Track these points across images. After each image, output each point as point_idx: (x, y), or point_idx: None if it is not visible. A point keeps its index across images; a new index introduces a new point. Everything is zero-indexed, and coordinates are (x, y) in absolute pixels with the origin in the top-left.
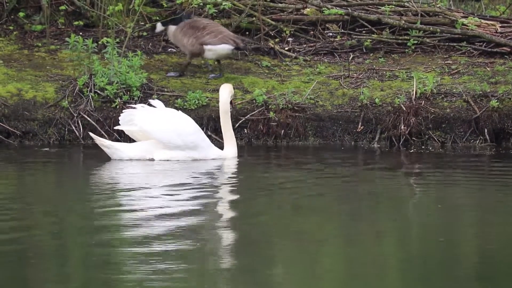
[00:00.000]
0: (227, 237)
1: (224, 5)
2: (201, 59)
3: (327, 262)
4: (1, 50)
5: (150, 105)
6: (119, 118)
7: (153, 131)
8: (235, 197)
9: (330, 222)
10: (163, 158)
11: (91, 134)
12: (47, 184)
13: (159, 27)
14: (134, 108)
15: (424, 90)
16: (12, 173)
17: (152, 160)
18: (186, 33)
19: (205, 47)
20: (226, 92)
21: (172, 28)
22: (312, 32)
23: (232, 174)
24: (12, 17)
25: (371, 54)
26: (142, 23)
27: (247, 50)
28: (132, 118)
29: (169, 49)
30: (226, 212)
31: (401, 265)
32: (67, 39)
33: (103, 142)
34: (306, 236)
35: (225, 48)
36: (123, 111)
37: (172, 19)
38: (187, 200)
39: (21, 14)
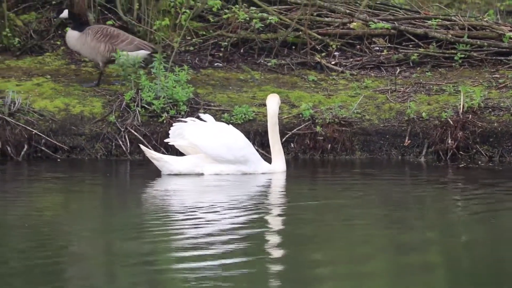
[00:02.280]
0: (277, 254)
1: (271, 19)
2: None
3: (376, 278)
4: (49, 65)
5: (200, 119)
6: (169, 131)
7: (203, 145)
8: (285, 213)
9: (379, 238)
10: (213, 173)
11: (141, 146)
12: (96, 199)
13: (65, 14)
14: (184, 122)
15: (472, 104)
16: (60, 188)
17: (202, 174)
18: (100, 40)
19: (122, 53)
20: (274, 103)
21: (74, 33)
22: (358, 46)
23: (282, 189)
24: (60, 32)
25: (418, 68)
26: (189, 38)
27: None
28: (182, 132)
29: (216, 64)
30: (276, 230)
31: (450, 279)
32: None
33: (153, 155)
34: (354, 250)
35: (141, 53)
36: (173, 124)
37: (74, 24)
38: (238, 216)
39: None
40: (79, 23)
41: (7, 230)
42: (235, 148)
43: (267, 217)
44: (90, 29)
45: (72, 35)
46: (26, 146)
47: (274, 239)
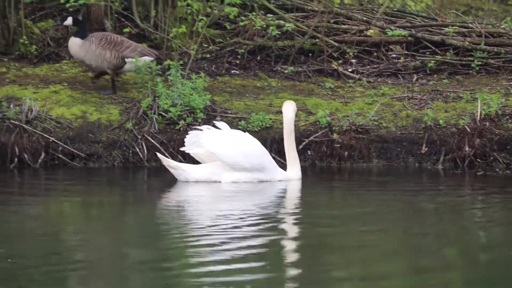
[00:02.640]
0: (294, 263)
1: (287, 26)
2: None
3: None
4: (66, 72)
5: (215, 126)
6: (185, 140)
7: (220, 153)
8: (301, 222)
9: (397, 250)
10: (230, 180)
11: (158, 155)
12: (113, 207)
13: (69, 21)
14: (200, 130)
15: (489, 111)
16: (77, 196)
17: (219, 182)
18: (106, 47)
19: (127, 60)
20: (290, 110)
21: (77, 40)
22: (375, 54)
23: (298, 197)
24: None
25: (435, 76)
26: (206, 45)
27: (164, 60)
28: (198, 140)
29: (232, 71)
30: (292, 236)
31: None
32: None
33: (170, 163)
34: (371, 263)
35: (146, 59)
36: (189, 132)
37: (77, 31)
38: (254, 225)
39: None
40: (83, 30)
41: (24, 239)
42: (252, 156)
43: (283, 227)
44: (93, 37)
45: (75, 42)
46: (43, 154)
47: (290, 251)
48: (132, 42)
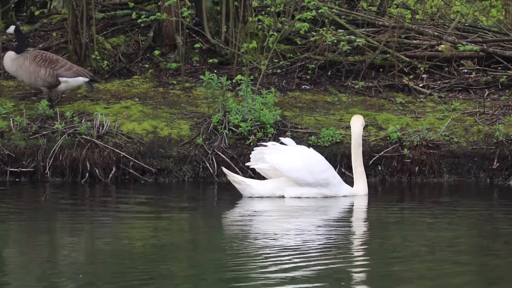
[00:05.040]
0: (359, 280)
1: (358, 42)
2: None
3: None
4: (137, 88)
5: (281, 143)
6: (250, 155)
7: (284, 169)
8: (366, 239)
9: (468, 272)
10: (294, 196)
11: (224, 169)
12: (182, 222)
13: (11, 29)
14: (265, 146)
15: None
16: (148, 212)
17: (283, 197)
18: (40, 64)
19: (61, 79)
20: (358, 124)
21: (11, 54)
22: (446, 69)
23: (364, 214)
24: (148, 55)
25: (507, 91)
26: (276, 60)
27: (99, 82)
28: (263, 156)
29: (303, 86)
30: (357, 255)
31: None
32: (201, 76)
33: (235, 178)
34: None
35: (80, 80)
36: (254, 148)
37: (16, 46)
38: (319, 244)
39: (156, 52)
40: (22, 44)
41: (94, 256)
42: (317, 171)
43: (348, 245)
44: (28, 53)
45: (9, 55)
46: (114, 169)
47: (355, 270)
48: (67, 62)
